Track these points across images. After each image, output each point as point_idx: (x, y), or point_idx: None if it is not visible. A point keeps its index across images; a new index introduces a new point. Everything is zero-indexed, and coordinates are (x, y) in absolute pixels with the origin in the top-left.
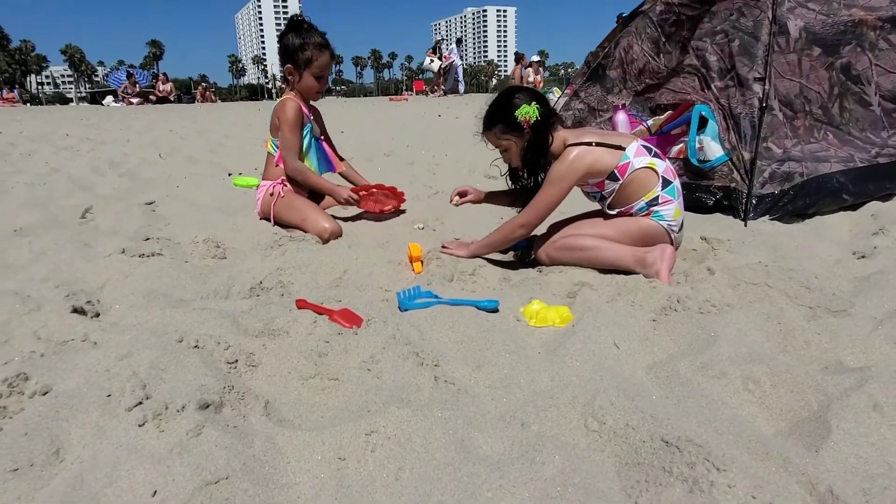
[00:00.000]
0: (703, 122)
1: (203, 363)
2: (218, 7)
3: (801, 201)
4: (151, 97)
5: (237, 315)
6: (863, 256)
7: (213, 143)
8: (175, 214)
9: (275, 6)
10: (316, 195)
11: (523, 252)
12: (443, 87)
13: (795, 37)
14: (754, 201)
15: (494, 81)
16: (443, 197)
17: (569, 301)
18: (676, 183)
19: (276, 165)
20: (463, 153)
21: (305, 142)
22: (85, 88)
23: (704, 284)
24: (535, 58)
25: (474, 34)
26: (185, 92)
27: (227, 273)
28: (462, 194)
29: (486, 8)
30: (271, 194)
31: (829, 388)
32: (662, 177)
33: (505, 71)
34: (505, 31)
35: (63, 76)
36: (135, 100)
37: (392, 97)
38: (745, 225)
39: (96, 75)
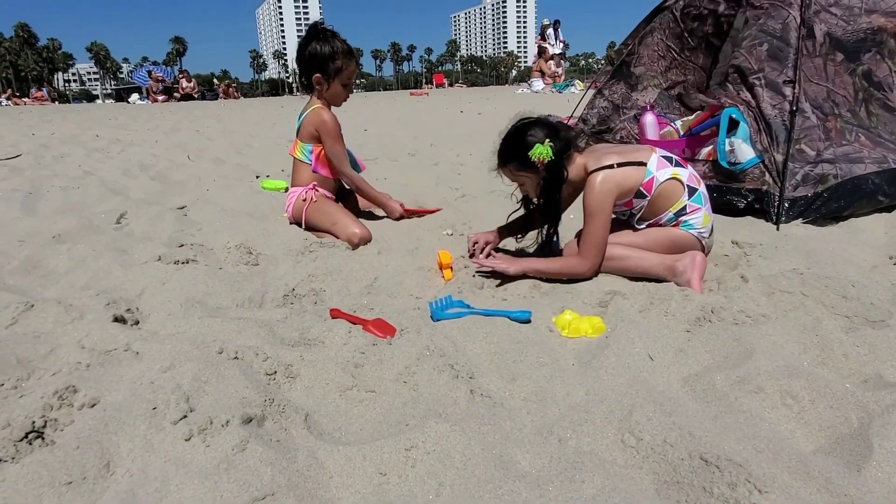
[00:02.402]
0: (733, 125)
1: (243, 375)
2: (239, 3)
3: (835, 204)
4: (175, 94)
5: (273, 324)
6: None
7: (239, 144)
8: (206, 219)
9: (295, 2)
10: (346, 199)
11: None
12: (551, 76)
13: (820, 41)
14: (787, 204)
15: (514, 72)
16: (469, 200)
17: (601, 310)
18: (702, 188)
19: (314, 172)
20: (486, 152)
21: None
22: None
23: (738, 293)
24: (557, 50)
25: (493, 25)
26: (209, 88)
27: (261, 280)
28: (480, 243)
29: None
30: (304, 199)
31: (869, 405)
32: (687, 185)
33: (525, 62)
34: (525, 23)
35: (89, 73)
36: (160, 97)
37: (413, 91)
38: (778, 229)
39: (121, 72)
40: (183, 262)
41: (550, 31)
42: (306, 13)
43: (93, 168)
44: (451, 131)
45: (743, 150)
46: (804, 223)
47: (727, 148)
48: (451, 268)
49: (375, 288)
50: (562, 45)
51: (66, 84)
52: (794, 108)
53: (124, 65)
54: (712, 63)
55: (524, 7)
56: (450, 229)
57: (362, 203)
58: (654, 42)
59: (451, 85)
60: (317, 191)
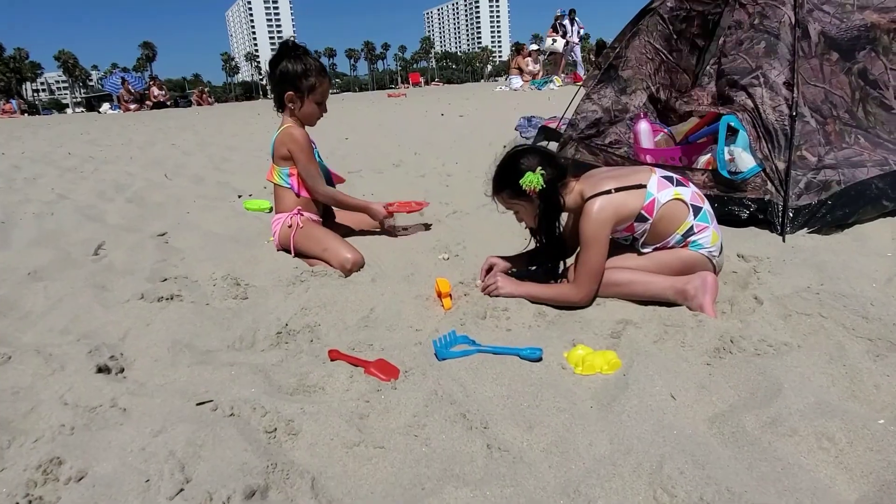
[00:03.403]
0: (731, 133)
1: (241, 435)
2: (208, 5)
3: (839, 211)
4: (147, 103)
5: (268, 369)
6: None
7: (218, 159)
8: (189, 246)
9: (265, 2)
10: (334, 223)
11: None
12: (563, 71)
13: (815, 41)
14: (791, 213)
15: (489, 67)
16: (461, 217)
17: (613, 342)
18: (707, 206)
19: (297, 196)
20: (473, 160)
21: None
22: (80, 94)
23: (754, 317)
24: (533, 46)
25: (467, 21)
26: (181, 95)
27: (251, 316)
28: (485, 266)
29: None
30: (289, 226)
31: None
32: (692, 205)
33: (500, 57)
34: (498, 17)
35: (58, 82)
36: (132, 105)
37: (390, 93)
38: (784, 240)
39: (91, 80)
40: (167, 299)
41: (567, 21)
42: (277, 14)
43: (66, 190)
44: (435, 137)
45: (743, 158)
46: (810, 233)
47: (727, 157)
48: (451, 295)
49: (373, 320)
50: (582, 31)
51: (35, 94)
52: (794, 113)
53: (94, 72)
54: (697, 63)
55: (497, 2)
56: (445, 253)
57: (352, 220)
58: (641, 45)
59: (427, 83)
60: (302, 215)
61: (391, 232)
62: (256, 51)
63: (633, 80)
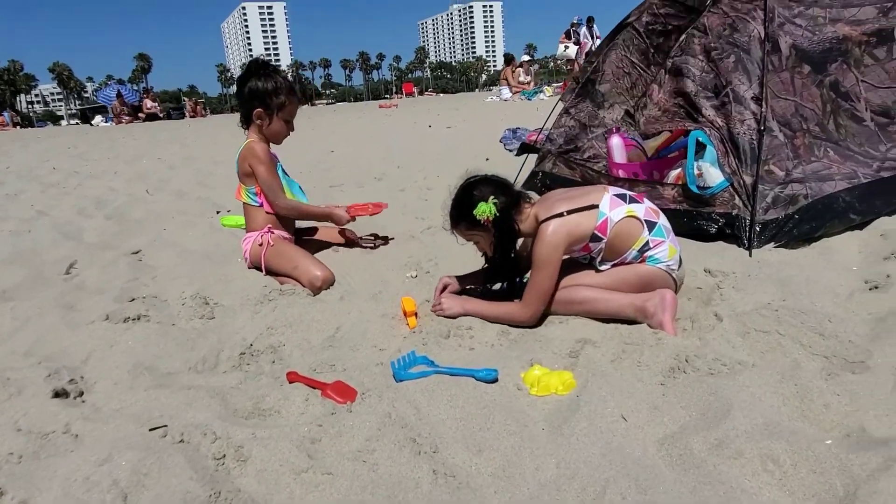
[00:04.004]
0: (699, 148)
1: (188, 463)
2: (204, 17)
3: (806, 225)
4: (140, 115)
5: (226, 392)
6: (875, 287)
7: (203, 173)
8: (162, 264)
9: (260, 14)
10: (305, 241)
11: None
12: (517, 86)
13: (786, 54)
14: (758, 228)
15: (484, 77)
16: (435, 232)
17: (571, 361)
18: (662, 221)
19: (267, 213)
20: (454, 174)
21: (285, 181)
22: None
23: (713, 334)
24: (525, 58)
25: (461, 30)
26: (176, 106)
27: (217, 336)
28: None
29: (472, 4)
30: (260, 244)
31: (854, 469)
32: (645, 220)
33: (494, 66)
34: (492, 26)
35: (52, 94)
36: (125, 118)
37: (381, 104)
38: (750, 255)
39: (86, 92)
40: (133, 320)
41: (584, 29)
42: (272, 25)
43: (47, 207)
44: (420, 149)
45: (711, 173)
46: (776, 247)
47: (696, 171)
48: (416, 314)
49: (337, 339)
50: (599, 40)
51: (30, 105)
52: (762, 128)
53: (88, 84)
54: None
55: (490, 11)
56: (414, 271)
57: (326, 236)
58: (618, 59)
59: (421, 93)
60: (272, 233)
61: (356, 240)
62: None
63: (611, 95)
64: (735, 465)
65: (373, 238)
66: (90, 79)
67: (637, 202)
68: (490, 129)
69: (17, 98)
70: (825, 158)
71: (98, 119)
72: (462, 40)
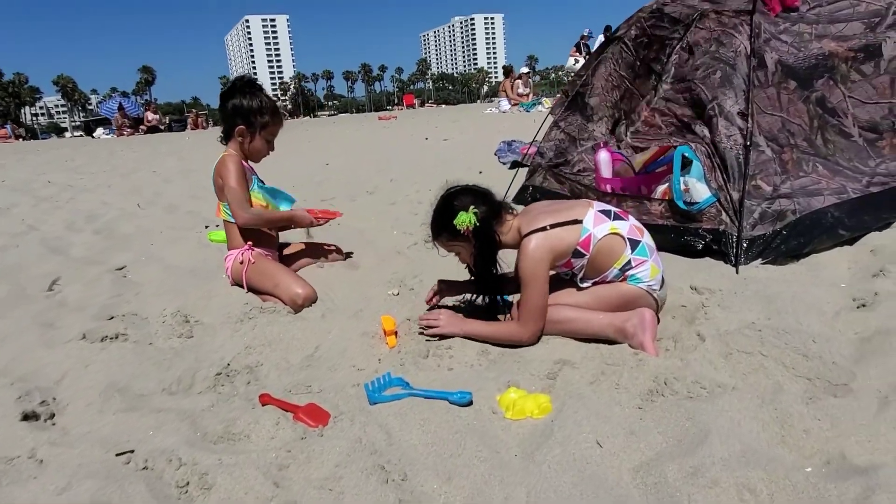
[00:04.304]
0: (685, 163)
1: (149, 491)
2: (208, 30)
3: (794, 241)
4: (142, 127)
5: (197, 415)
6: (863, 305)
7: (197, 187)
8: (147, 280)
9: (263, 27)
10: (287, 258)
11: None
12: (515, 98)
13: (772, 70)
14: (745, 244)
15: (485, 88)
16: (421, 248)
17: (549, 383)
18: (646, 239)
19: (247, 230)
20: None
21: (262, 192)
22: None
23: (694, 355)
24: (524, 69)
25: (463, 42)
26: (178, 118)
27: (194, 355)
28: (429, 294)
29: (473, 17)
30: (241, 262)
31: (831, 499)
32: (629, 238)
33: (496, 77)
34: (493, 39)
35: (57, 106)
36: (126, 130)
37: (381, 115)
38: (737, 271)
39: (90, 104)
40: (111, 339)
41: (596, 41)
42: (275, 38)
43: (37, 221)
44: (415, 162)
45: (698, 189)
46: (764, 263)
47: (682, 187)
48: (396, 333)
49: (316, 359)
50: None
51: (34, 118)
52: (748, 143)
53: (93, 96)
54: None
55: (492, 23)
56: (396, 288)
57: (310, 254)
58: (606, 72)
59: (422, 104)
60: (253, 250)
61: (340, 254)
62: (255, 74)
63: (600, 108)
64: (710, 495)
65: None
66: (94, 91)
67: (622, 219)
68: (487, 141)
69: (22, 110)
70: (814, 174)
71: (100, 131)
72: (464, 52)
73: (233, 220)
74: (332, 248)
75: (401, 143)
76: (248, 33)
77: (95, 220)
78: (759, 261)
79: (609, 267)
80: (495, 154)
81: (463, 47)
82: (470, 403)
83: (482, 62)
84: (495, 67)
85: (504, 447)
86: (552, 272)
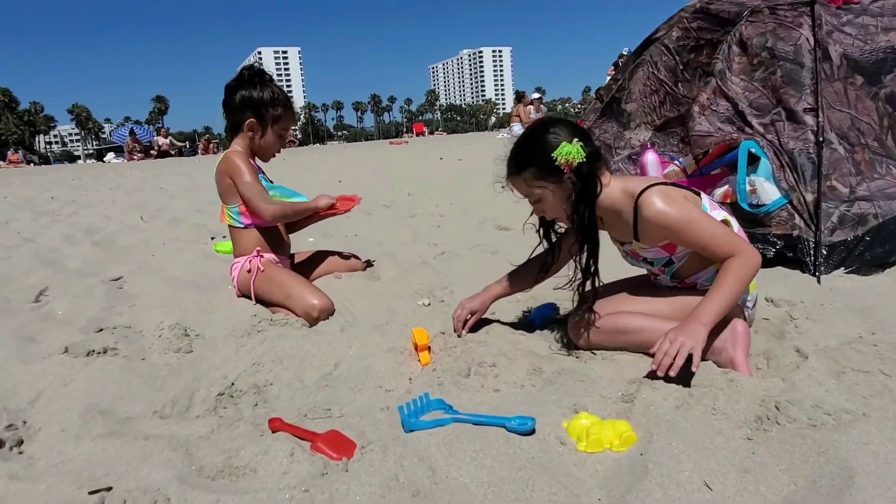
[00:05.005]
0: (751, 160)
1: None
2: (221, 60)
3: (879, 248)
4: (152, 152)
5: (193, 443)
6: None
7: (202, 202)
8: (143, 292)
9: (276, 59)
10: (301, 266)
11: (543, 319)
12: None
13: (837, 64)
14: (824, 251)
15: (493, 119)
16: (449, 258)
17: (625, 407)
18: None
19: (256, 234)
20: (469, 200)
21: (277, 191)
22: (92, 145)
23: (799, 375)
24: (536, 95)
25: (471, 74)
26: (190, 145)
27: (193, 372)
28: (468, 314)
29: (482, 49)
30: (248, 270)
31: None
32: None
33: (503, 109)
34: (501, 71)
35: (71, 135)
36: (137, 155)
37: (392, 141)
38: (819, 281)
39: (103, 132)
40: (98, 353)
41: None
42: (287, 68)
43: (34, 234)
44: (431, 179)
45: (766, 189)
46: (846, 272)
47: (748, 188)
48: (430, 348)
49: (335, 378)
50: None
51: (48, 146)
52: (821, 139)
53: (106, 125)
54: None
55: (500, 56)
56: (427, 298)
57: (328, 265)
58: (645, 76)
59: (431, 133)
60: (262, 257)
61: (359, 264)
62: None
63: (637, 114)
64: None
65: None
66: (108, 120)
67: (731, 216)
68: (503, 160)
69: (37, 138)
70: (889, 176)
71: (110, 156)
72: (472, 84)
73: (239, 225)
74: (350, 256)
75: (415, 163)
76: (261, 64)
77: (95, 232)
78: (842, 270)
79: (708, 265)
80: None
81: (471, 79)
82: (532, 432)
83: (490, 94)
84: (503, 99)
85: (583, 488)
86: (631, 259)
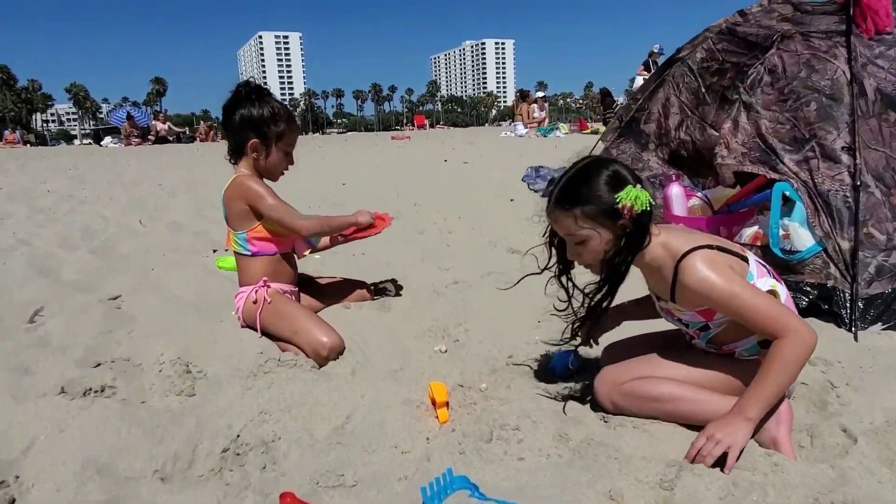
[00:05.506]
0: (784, 201)
1: None
2: (221, 44)
3: None
4: (150, 136)
5: None
6: None
7: (203, 202)
8: (143, 314)
9: (276, 43)
10: (308, 294)
11: (565, 369)
12: (530, 123)
13: (872, 99)
14: (861, 305)
15: (494, 112)
16: (463, 288)
17: (665, 496)
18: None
19: (263, 262)
20: (477, 215)
21: None
22: (89, 125)
23: (849, 462)
24: (540, 94)
25: (473, 66)
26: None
27: (195, 420)
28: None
29: (484, 41)
30: (254, 301)
31: None
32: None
33: (505, 102)
34: (504, 63)
35: (68, 114)
36: (134, 140)
37: (394, 135)
38: (856, 338)
39: (101, 112)
40: (96, 392)
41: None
42: (287, 54)
43: (29, 235)
44: (437, 186)
45: (801, 235)
46: (884, 329)
47: (781, 232)
48: (448, 404)
49: (347, 433)
50: None
51: (45, 124)
52: (858, 182)
53: (104, 105)
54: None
55: (503, 49)
56: (443, 344)
57: (338, 292)
58: (665, 97)
59: (432, 126)
60: (269, 287)
61: (369, 294)
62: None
63: (657, 135)
64: None
65: (389, 285)
66: (105, 100)
67: (779, 282)
68: (509, 165)
69: (34, 116)
70: None
71: (107, 140)
72: (474, 76)
73: (245, 252)
74: (359, 283)
75: (419, 165)
76: (261, 49)
77: (92, 236)
78: (879, 325)
79: (749, 334)
80: (523, 180)
81: (473, 71)
82: None
83: (491, 86)
84: (505, 92)
85: None
86: (666, 315)
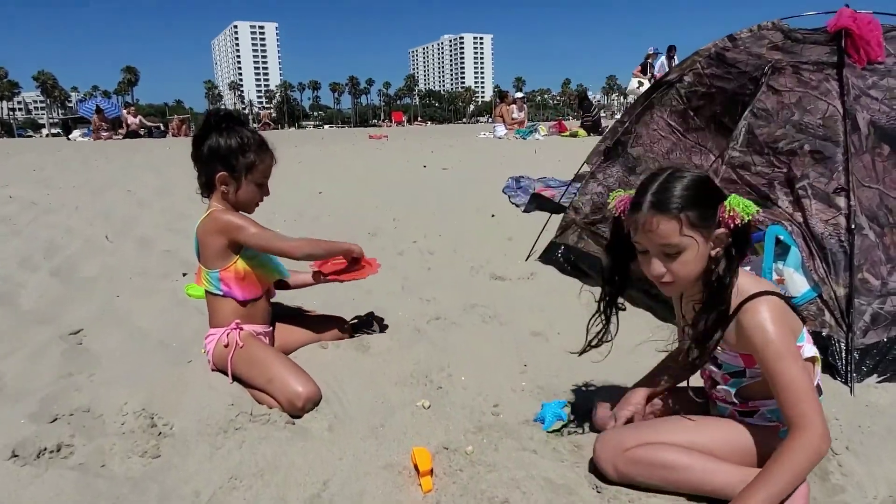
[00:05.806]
0: (777, 244)
1: None
2: (195, 33)
3: None
4: (120, 131)
5: None
6: None
7: (175, 214)
8: (106, 352)
9: (252, 34)
10: (282, 333)
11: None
12: (510, 126)
13: (865, 133)
14: (857, 355)
15: (472, 107)
16: (445, 325)
17: None
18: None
19: (237, 302)
20: (459, 233)
21: (263, 257)
22: (58, 114)
23: None
24: (519, 94)
25: (451, 61)
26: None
27: (159, 488)
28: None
29: (462, 36)
30: (225, 345)
31: None
32: (818, 385)
33: (483, 97)
34: (482, 59)
35: (35, 101)
36: (104, 134)
37: (372, 134)
38: (852, 392)
39: (69, 101)
40: (51, 454)
41: (662, 59)
42: (263, 45)
43: None
44: (416, 198)
45: (796, 281)
46: (880, 381)
47: (775, 276)
48: (432, 471)
49: (325, 502)
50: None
51: (11, 112)
52: (853, 226)
53: (73, 94)
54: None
55: (481, 44)
56: (426, 399)
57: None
58: (653, 120)
59: (410, 122)
60: (241, 330)
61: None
62: (241, 80)
63: (644, 159)
64: None
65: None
66: (75, 89)
67: (819, 352)
68: (489, 173)
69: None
70: None
71: (76, 133)
72: (452, 70)
73: (218, 292)
74: (336, 319)
75: (397, 171)
76: (236, 39)
77: (55, 253)
78: (875, 378)
79: (772, 398)
80: (504, 192)
81: (451, 65)
82: None
83: (469, 81)
84: (483, 87)
85: None
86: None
